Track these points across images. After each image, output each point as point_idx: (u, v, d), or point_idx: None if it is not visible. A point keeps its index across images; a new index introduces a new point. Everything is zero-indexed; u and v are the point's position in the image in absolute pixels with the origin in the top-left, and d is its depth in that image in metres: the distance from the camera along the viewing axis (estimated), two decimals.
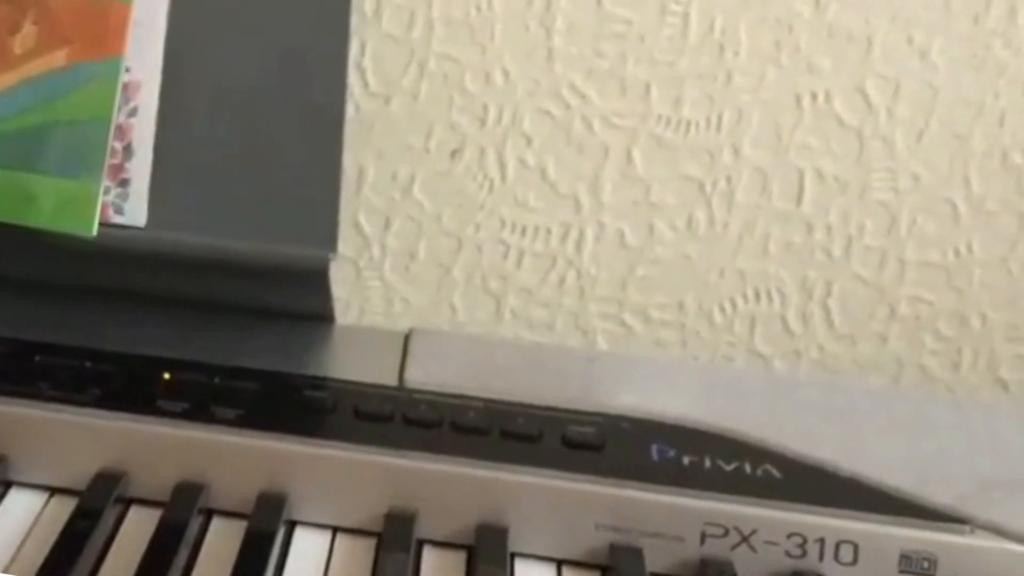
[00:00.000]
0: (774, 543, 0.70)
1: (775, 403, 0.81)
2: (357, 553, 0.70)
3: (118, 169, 0.79)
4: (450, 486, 0.71)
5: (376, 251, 0.95)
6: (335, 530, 0.72)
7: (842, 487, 0.72)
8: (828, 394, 0.84)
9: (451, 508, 0.71)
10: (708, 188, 0.92)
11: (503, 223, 0.94)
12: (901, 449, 0.77)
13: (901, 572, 0.69)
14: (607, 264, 0.95)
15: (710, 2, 0.89)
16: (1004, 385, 0.96)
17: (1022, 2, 0.88)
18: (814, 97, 0.90)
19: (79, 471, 0.71)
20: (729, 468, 0.73)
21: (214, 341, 0.80)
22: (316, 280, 0.81)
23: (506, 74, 0.91)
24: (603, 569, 0.71)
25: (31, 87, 0.79)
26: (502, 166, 0.93)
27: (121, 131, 0.79)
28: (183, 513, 0.69)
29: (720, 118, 0.91)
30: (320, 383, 0.78)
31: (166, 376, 0.76)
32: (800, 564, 0.70)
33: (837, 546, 0.70)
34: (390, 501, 0.71)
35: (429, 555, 0.71)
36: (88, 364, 0.76)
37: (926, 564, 0.69)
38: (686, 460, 0.73)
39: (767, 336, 0.96)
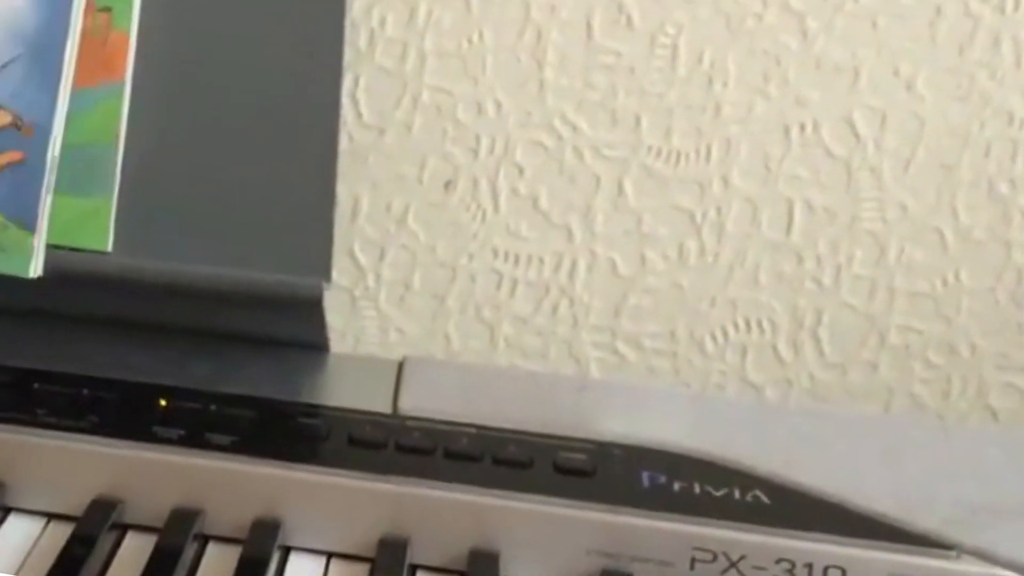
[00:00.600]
0: (763, 568, 0.70)
1: (766, 431, 0.81)
2: None
3: None
4: (443, 512, 0.71)
5: (371, 281, 0.96)
6: (329, 556, 0.72)
7: (830, 512, 0.72)
8: (818, 422, 0.84)
9: (444, 534, 0.71)
10: (699, 218, 0.93)
11: (496, 253, 0.95)
12: (890, 475, 0.77)
13: None
14: (600, 293, 0.95)
15: (699, 34, 0.90)
16: (993, 413, 0.96)
17: (1006, 33, 0.88)
18: (802, 128, 0.91)
19: (76, 497, 0.72)
20: (719, 494, 0.73)
21: (210, 369, 0.81)
22: (310, 309, 0.81)
23: (498, 105, 0.92)
24: None
25: None
26: (495, 196, 0.93)
27: None
28: (179, 539, 0.70)
29: (709, 149, 0.92)
30: (314, 411, 0.78)
31: (162, 403, 0.76)
32: None
33: (825, 571, 0.70)
34: (383, 527, 0.71)
35: None
36: (85, 391, 0.76)
37: None
38: (676, 486, 0.73)
39: (758, 365, 0.96)
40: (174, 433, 0.73)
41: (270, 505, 0.72)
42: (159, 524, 0.71)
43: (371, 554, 0.71)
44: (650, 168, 0.92)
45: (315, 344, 0.85)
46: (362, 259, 0.95)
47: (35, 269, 0.78)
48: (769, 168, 0.92)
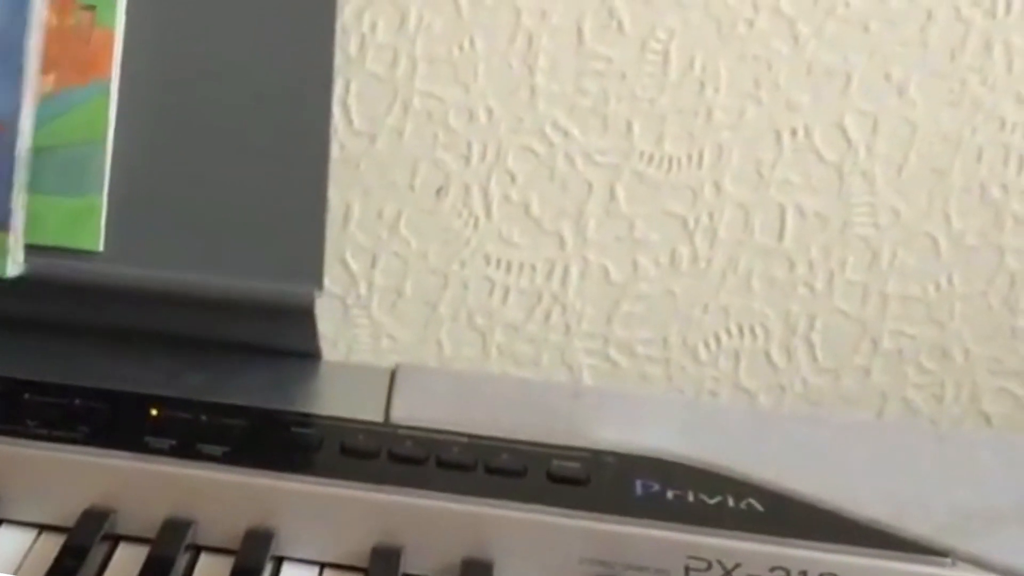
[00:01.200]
0: None
1: (759, 437, 0.81)
2: None
3: None
4: (436, 521, 0.71)
5: (363, 288, 0.95)
6: (322, 566, 0.72)
7: (825, 520, 0.72)
8: (812, 428, 0.84)
9: (437, 543, 0.71)
10: (691, 224, 0.93)
11: (488, 260, 0.95)
12: (884, 482, 0.77)
13: None
14: (592, 300, 0.95)
15: (690, 39, 0.90)
16: (987, 418, 0.96)
17: (997, 38, 0.88)
18: (794, 133, 0.91)
19: (68, 508, 0.71)
20: (712, 502, 0.73)
21: (202, 377, 0.81)
22: (302, 317, 0.81)
23: (489, 112, 0.91)
24: None
25: None
26: (487, 203, 0.93)
27: None
28: (171, 549, 0.69)
29: (701, 154, 0.92)
30: (307, 420, 0.78)
31: (154, 413, 0.76)
32: None
33: None
34: (376, 536, 0.71)
35: None
36: (77, 401, 0.76)
37: None
38: (670, 494, 0.73)
39: (751, 371, 0.96)
40: (166, 443, 0.73)
41: (263, 515, 0.72)
42: (151, 535, 0.71)
43: (364, 564, 0.71)
44: (642, 174, 0.92)
45: (307, 352, 0.85)
46: (354, 266, 0.95)
47: (12, 268, 0.78)
48: (761, 173, 0.92)
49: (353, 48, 0.91)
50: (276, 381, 0.83)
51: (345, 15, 0.90)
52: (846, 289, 0.94)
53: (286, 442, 0.75)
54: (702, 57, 0.90)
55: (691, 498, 0.73)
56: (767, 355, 0.96)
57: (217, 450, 0.73)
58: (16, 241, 0.78)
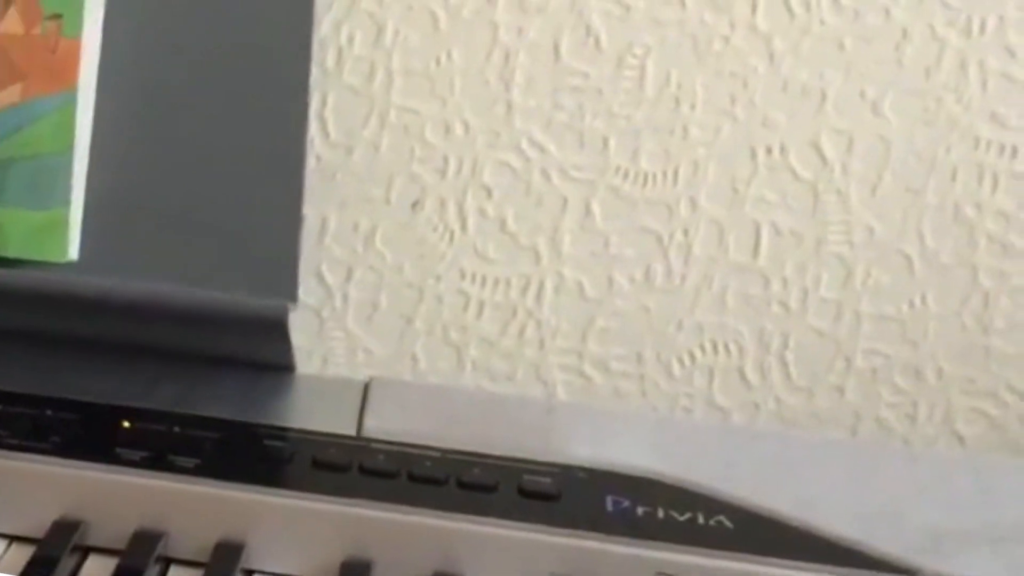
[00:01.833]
0: None
1: (731, 454, 0.81)
2: None
3: None
4: (406, 536, 0.71)
5: (338, 302, 0.95)
6: None
7: (795, 538, 0.72)
8: (784, 446, 0.84)
9: (407, 558, 0.71)
10: (666, 240, 0.93)
11: (463, 274, 0.94)
12: (855, 501, 0.77)
13: None
14: (567, 315, 0.95)
15: (666, 56, 0.90)
16: (960, 438, 0.96)
17: (972, 57, 0.89)
18: (769, 151, 0.91)
19: (38, 519, 0.71)
20: (683, 519, 0.73)
21: (174, 389, 0.80)
22: (276, 329, 0.81)
23: (466, 126, 0.91)
24: None
25: None
26: (462, 217, 0.93)
27: None
28: (141, 561, 0.69)
29: (677, 171, 0.92)
30: (279, 432, 0.78)
31: (125, 425, 0.76)
32: None
33: None
34: (346, 550, 0.71)
35: None
36: (48, 412, 0.76)
37: None
38: (640, 511, 0.73)
39: (725, 388, 0.96)
40: (137, 455, 0.73)
41: (233, 528, 0.71)
42: (121, 546, 0.70)
43: None
44: (617, 190, 0.92)
45: (281, 365, 0.85)
46: (329, 279, 0.95)
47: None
48: (736, 190, 0.92)
49: (330, 61, 0.91)
50: (249, 393, 0.83)
51: (323, 28, 0.90)
52: (820, 307, 0.94)
53: (258, 455, 0.75)
54: (678, 74, 0.90)
55: (661, 515, 0.73)
56: (741, 372, 0.96)
57: (189, 462, 0.73)
58: None
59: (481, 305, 0.95)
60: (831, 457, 0.83)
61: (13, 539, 0.72)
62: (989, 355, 0.95)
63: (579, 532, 0.71)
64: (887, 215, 0.92)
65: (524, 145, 0.92)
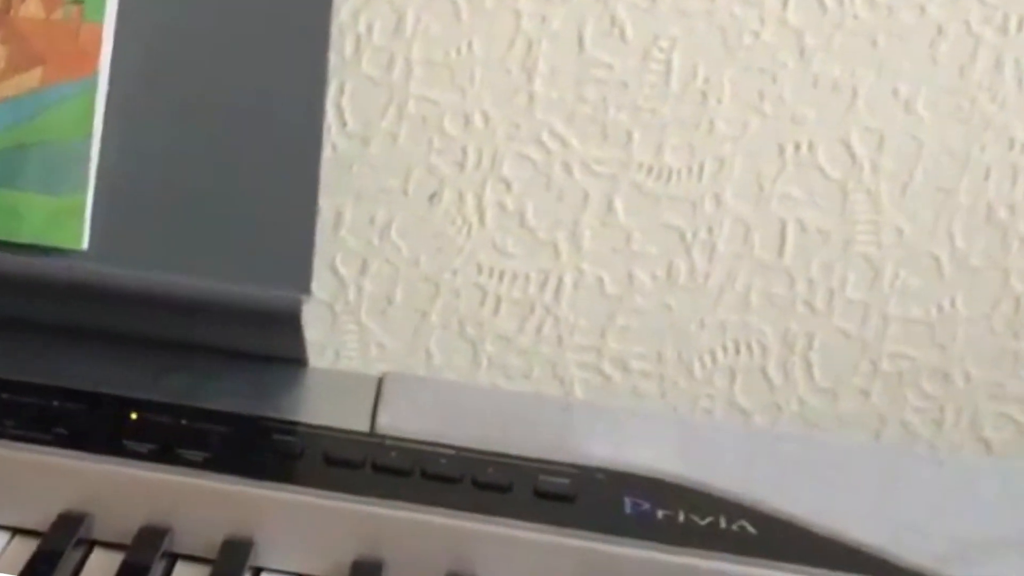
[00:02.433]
0: None
1: (753, 457, 0.81)
2: None
3: None
4: (419, 535, 0.70)
5: (352, 295, 0.94)
6: None
7: (818, 545, 0.71)
8: (807, 449, 0.83)
9: (419, 557, 0.70)
10: (689, 237, 0.92)
11: (480, 269, 0.93)
12: (880, 506, 0.77)
13: None
14: (586, 312, 0.94)
15: (693, 49, 0.89)
16: (987, 444, 0.95)
17: (1008, 55, 0.88)
18: (797, 148, 0.90)
19: (43, 511, 0.70)
20: (703, 523, 0.72)
21: (183, 382, 0.80)
22: (288, 322, 0.80)
23: (486, 117, 0.90)
24: None
25: (5, 108, 0.79)
26: (481, 211, 0.92)
27: None
28: (146, 556, 0.68)
29: (702, 167, 0.91)
30: (290, 427, 0.77)
31: (133, 416, 0.75)
32: None
33: None
34: (357, 549, 0.70)
35: None
36: (55, 403, 0.75)
37: None
38: (660, 514, 0.72)
39: (747, 389, 0.95)
40: (145, 447, 0.72)
41: (241, 524, 0.70)
42: (127, 541, 0.69)
43: None
44: (640, 185, 0.91)
45: (293, 358, 0.84)
46: (344, 272, 0.94)
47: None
48: (763, 187, 0.91)
49: (348, 49, 0.90)
50: (260, 387, 0.82)
51: (341, 16, 0.89)
52: (846, 308, 0.93)
53: (268, 449, 0.74)
54: (705, 68, 0.89)
55: (682, 518, 0.72)
56: (764, 373, 0.94)
57: (197, 456, 0.72)
58: None
59: (498, 300, 0.94)
60: (855, 461, 0.83)
61: (16, 532, 0.71)
62: (1018, 360, 0.94)
63: (596, 535, 0.70)
64: (917, 215, 0.91)
65: (545, 137, 0.90)
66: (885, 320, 0.93)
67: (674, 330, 0.94)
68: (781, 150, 0.90)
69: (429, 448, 0.75)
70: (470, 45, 0.89)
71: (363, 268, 0.94)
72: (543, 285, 0.93)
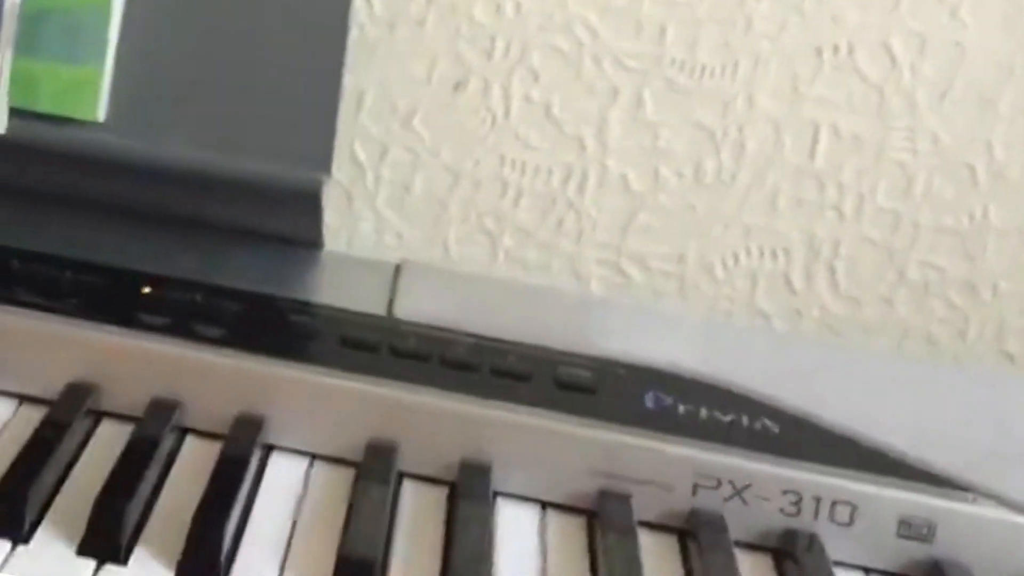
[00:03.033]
0: (767, 499, 0.68)
1: (776, 360, 0.80)
2: (334, 482, 0.68)
3: None
4: (435, 420, 0.69)
5: (370, 181, 0.93)
6: (313, 457, 0.69)
7: (842, 446, 0.71)
8: (830, 355, 0.83)
9: (435, 443, 0.69)
10: (719, 137, 0.91)
11: (503, 160, 0.92)
12: (903, 413, 0.76)
13: (899, 537, 0.68)
14: (608, 209, 0.92)
15: None
16: (1010, 358, 0.94)
17: None
18: (836, 50, 0.88)
19: (52, 381, 0.69)
20: (725, 419, 0.71)
21: (199, 259, 0.79)
22: (308, 203, 0.80)
23: (517, 6, 0.89)
24: (589, 514, 0.68)
25: None
26: (506, 102, 0.91)
27: None
28: (157, 429, 0.67)
29: (736, 65, 0.89)
30: (306, 308, 0.76)
31: (147, 290, 0.74)
32: (793, 522, 0.68)
33: (833, 506, 0.68)
34: (371, 431, 0.69)
35: (409, 489, 0.69)
36: (68, 273, 0.74)
37: (925, 530, 0.68)
38: (681, 408, 0.71)
39: (768, 293, 0.94)
40: (158, 321, 0.71)
41: (254, 401, 0.69)
42: (136, 413, 0.68)
43: (357, 458, 0.69)
44: (672, 81, 0.89)
45: (310, 241, 0.84)
46: (362, 157, 0.92)
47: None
48: (797, 89, 0.89)
49: None
50: (276, 267, 0.81)
51: None
52: (876, 215, 0.92)
53: (283, 328, 0.73)
54: None
55: (704, 414, 0.71)
56: (786, 278, 0.93)
57: (211, 331, 0.71)
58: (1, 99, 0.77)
59: (519, 193, 0.92)
60: (878, 369, 0.82)
61: (24, 399, 0.70)
62: None
63: (616, 426, 0.69)
64: (955, 124, 0.90)
65: (577, 29, 0.89)
66: (916, 228, 0.92)
67: (697, 231, 0.93)
68: (819, 51, 0.88)
69: (448, 335, 0.74)
70: None
71: (383, 155, 0.92)
72: (566, 179, 0.92)
